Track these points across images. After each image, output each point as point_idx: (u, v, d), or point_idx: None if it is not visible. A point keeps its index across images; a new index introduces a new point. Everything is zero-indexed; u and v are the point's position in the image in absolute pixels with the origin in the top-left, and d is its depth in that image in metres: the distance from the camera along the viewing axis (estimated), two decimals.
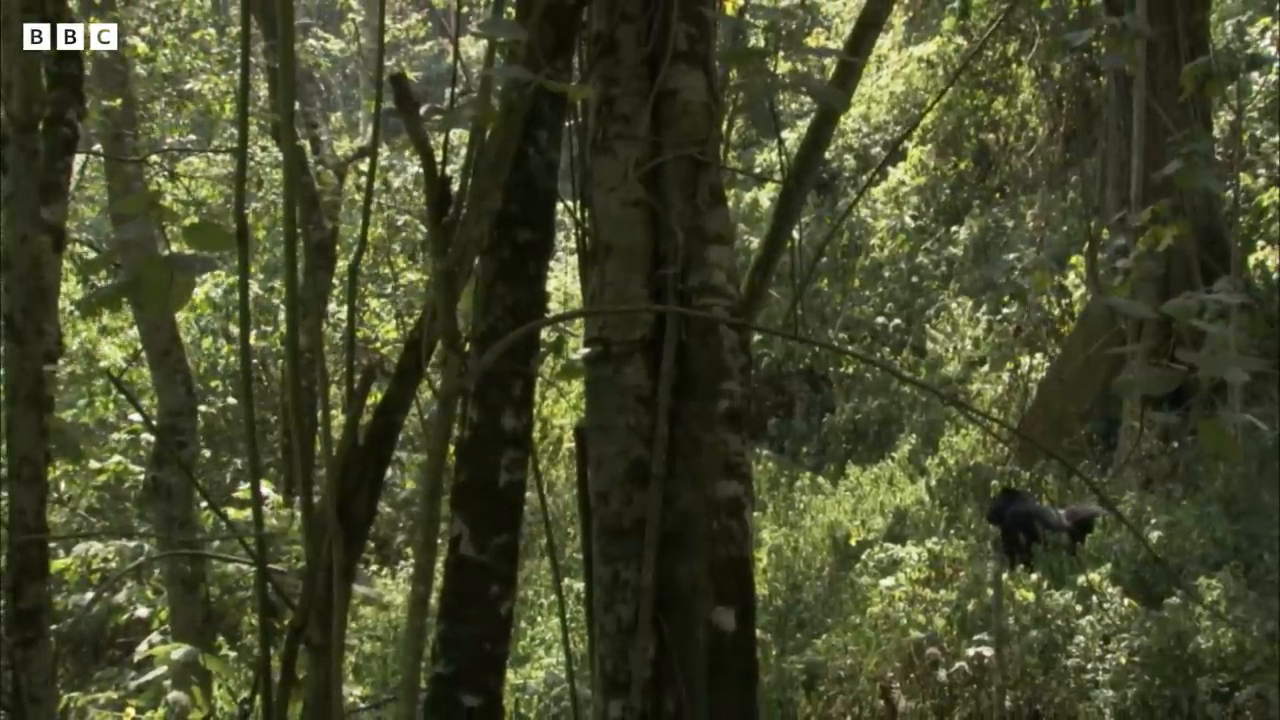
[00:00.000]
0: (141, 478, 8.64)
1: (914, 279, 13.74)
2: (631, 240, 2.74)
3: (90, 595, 7.87)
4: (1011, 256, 12.88)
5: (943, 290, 13.43)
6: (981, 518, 7.91)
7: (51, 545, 6.22)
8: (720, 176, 2.86)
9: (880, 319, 13.45)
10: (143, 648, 6.76)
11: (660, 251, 2.74)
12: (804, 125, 12.54)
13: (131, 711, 6.12)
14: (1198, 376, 2.26)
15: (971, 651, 5.48)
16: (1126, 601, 5.78)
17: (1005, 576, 5.94)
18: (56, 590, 7.85)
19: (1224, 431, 2.38)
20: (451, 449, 2.35)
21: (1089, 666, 5.39)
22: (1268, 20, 11.65)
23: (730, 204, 3.16)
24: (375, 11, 16.23)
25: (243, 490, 8.57)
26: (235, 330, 12.05)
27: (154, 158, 9.72)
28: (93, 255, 9.58)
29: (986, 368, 11.43)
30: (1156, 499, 7.48)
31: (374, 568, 10.52)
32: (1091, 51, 11.13)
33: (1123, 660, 5.30)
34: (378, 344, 12.44)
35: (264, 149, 11.70)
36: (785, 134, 13.64)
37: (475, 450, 2.46)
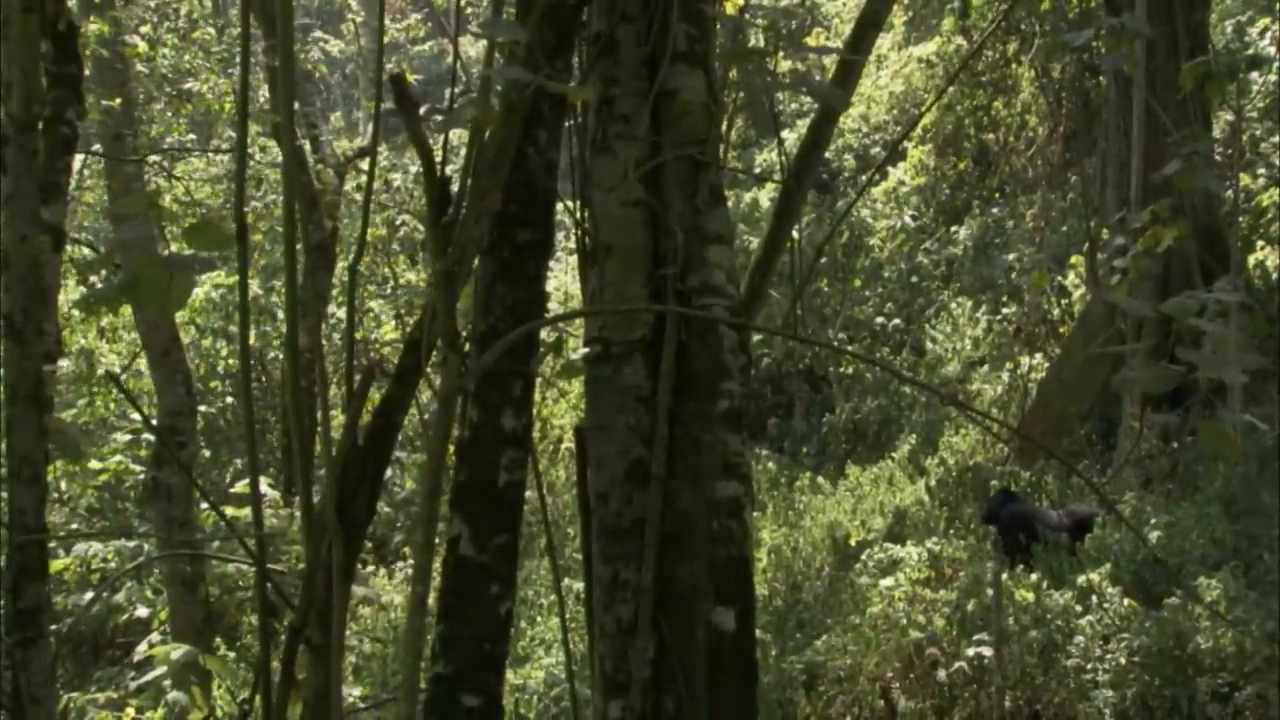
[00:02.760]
0: (141, 478, 8.64)
1: (914, 279, 13.73)
2: (631, 240, 2.74)
3: (90, 595, 7.86)
4: (1011, 257, 12.88)
5: (943, 290, 13.43)
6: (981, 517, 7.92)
7: (51, 545, 6.22)
8: (720, 176, 2.86)
9: (880, 319, 13.44)
10: (143, 648, 6.76)
11: (660, 251, 2.74)
12: (804, 125, 12.53)
13: (131, 711, 6.12)
14: (1197, 376, 2.26)
15: (971, 651, 5.48)
16: (1126, 601, 5.79)
17: (1005, 576, 5.94)
18: (56, 590, 7.85)
19: (1224, 431, 2.37)
20: (451, 449, 2.35)
21: (1089, 666, 5.39)
22: (1268, 20, 11.65)
23: (730, 204, 3.16)
24: (375, 12, 16.22)
25: (241, 486, 8.56)
26: (235, 330, 12.03)
27: (154, 158, 9.72)
28: (92, 255, 9.57)
29: (986, 368, 11.43)
30: (1156, 499, 7.48)
31: (370, 568, 10.51)
32: (1091, 51, 11.12)
33: (1123, 660, 5.30)
34: (378, 344, 12.43)
35: (264, 149, 11.70)
36: (785, 134, 13.62)
37: (475, 450, 2.46)
